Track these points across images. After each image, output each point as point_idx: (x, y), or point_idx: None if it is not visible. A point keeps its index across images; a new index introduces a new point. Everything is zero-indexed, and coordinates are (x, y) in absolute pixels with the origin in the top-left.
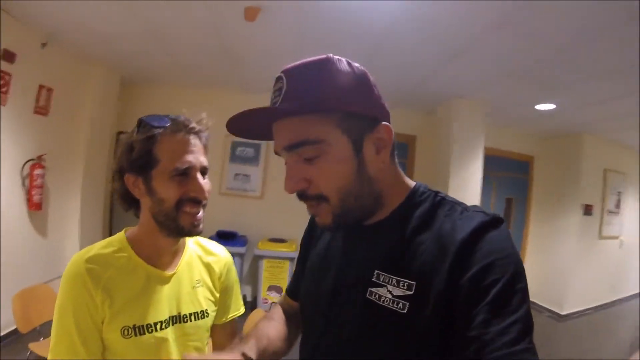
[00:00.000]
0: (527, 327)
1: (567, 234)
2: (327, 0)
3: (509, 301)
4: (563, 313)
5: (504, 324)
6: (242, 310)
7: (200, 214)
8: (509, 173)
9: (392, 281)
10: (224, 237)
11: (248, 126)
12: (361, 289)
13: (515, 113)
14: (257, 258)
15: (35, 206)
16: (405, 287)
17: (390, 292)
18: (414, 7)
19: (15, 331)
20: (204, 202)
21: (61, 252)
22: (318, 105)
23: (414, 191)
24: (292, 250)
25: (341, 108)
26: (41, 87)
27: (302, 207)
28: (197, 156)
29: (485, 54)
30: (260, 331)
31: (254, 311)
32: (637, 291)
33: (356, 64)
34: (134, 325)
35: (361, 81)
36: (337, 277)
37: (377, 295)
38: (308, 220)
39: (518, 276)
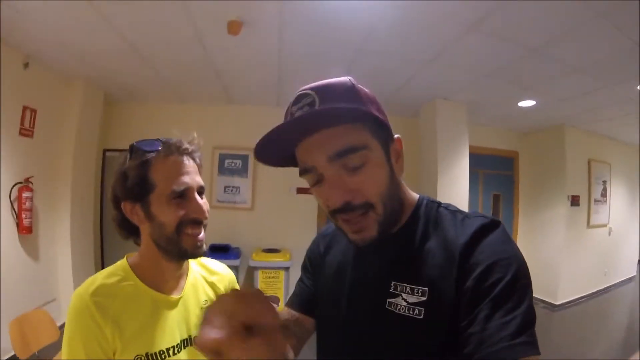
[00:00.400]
0: (527, 322)
1: (555, 226)
2: (308, 13)
3: (510, 298)
4: (557, 303)
5: (504, 319)
6: None
7: (202, 234)
8: (495, 170)
9: (405, 289)
10: (217, 251)
11: (277, 146)
12: (380, 301)
13: (497, 111)
14: (252, 269)
15: (26, 230)
16: (420, 294)
17: (405, 300)
18: (391, 13)
19: (14, 357)
20: (205, 222)
21: (54, 274)
22: (359, 112)
23: (420, 203)
24: (287, 259)
25: (376, 118)
26: (25, 108)
27: (293, 216)
28: (193, 176)
29: (464, 55)
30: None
31: None
32: (629, 276)
33: None
34: (146, 354)
35: (376, 99)
36: (353, 292)
37: (394, 305)
38: (313, 240)
39: (520, 274)
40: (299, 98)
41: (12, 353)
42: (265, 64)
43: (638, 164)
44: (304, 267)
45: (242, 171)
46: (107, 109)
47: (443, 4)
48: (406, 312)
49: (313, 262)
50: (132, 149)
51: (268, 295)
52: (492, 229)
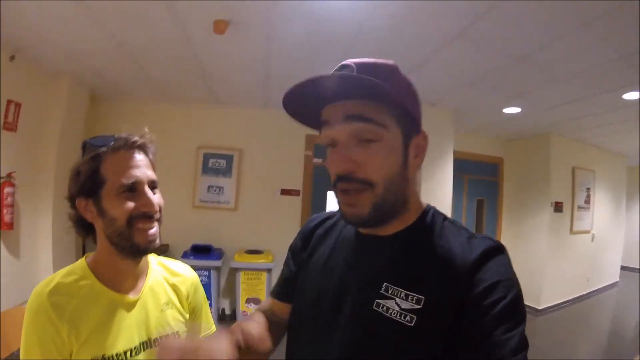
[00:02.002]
0: (524, 343)
1: (539, 231)
2: (296, 14)
3: (511, 318)
4: (540, 307)
5: (504, 337)
6: (214, 328)
7: (155, 229)
8: (480, 175)
9: (400, 294)
10: (199, 251)
11: (309, 98)
12: (368, 300)
13: (482, 117)
14: (234, 271)
15: (7, 226)
16: (414, 301)
17: (398, 305)
18: (378, 18)
19: None
20: (156, 216)
21: (35, 272)
22: (389, 94)
23: (426, 211)
24: (269, 261)
25: (404, 106)
26: (9, 102)
27: (277, 217)
28: (144, 170)
29: (450, 62)
30: (246, 324)
31: (234, 324)
32: (611, 281)
33: None
34: (103, 356)
35: (414, 91)
36: (342, 286)
37: (384, 307)
38: (301, 230)
39: (520, 298)
40: (340, 68)
41: None
42: (252, 64)
43: (622, 171)
44: (293, 250)
45: (227, 171)
46: (93, 106)
47: (429, 11)
48: (397, 317)
49: (297, 250)
50: (85, 146)
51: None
52: (498, 252)
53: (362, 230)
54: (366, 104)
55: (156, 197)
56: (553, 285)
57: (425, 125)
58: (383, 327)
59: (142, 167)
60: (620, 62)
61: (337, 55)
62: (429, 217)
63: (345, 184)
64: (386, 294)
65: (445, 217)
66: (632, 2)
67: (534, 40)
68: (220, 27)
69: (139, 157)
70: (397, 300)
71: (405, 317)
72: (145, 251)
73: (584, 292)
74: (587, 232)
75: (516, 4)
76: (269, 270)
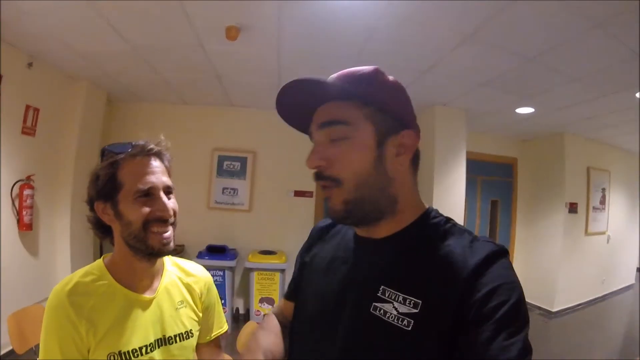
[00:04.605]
0: (527, 348)
1: (553, 233)
2: (306, 18)
3: (512, 323)
4: (554, 310)
5: (506, 343)
6: (225, 327)
7: (169, 233)
8: (493, 176)
9: (398, 298)
10: (214, 251)
11: (294, 109)
12: (365, 303)
13: (495, 118)
14: (248, 271)
15: (26, 227)
16: (412, 305)
17: (396, 309)
18: (390, 19)
19: (11, 352)
20: (171, 220)
21: (52, 271)
22: (355, 93)
23: (427, 213)
24: (283, 261)
25: (375, 103)
26: (28, 107)
27: (290, 218)
28: (159, 176)
29: (462, 63)
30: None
31: (247, 323)
32: (627, 284)
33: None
34: (119, 352)
35: (397, 90)
36: (340, 289)
37: (382, 311)
38: (309, 232)
39: (522, 302)
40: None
41: (10, 348)
42: (264, 67)
43: (638, 171)
44: (300, 252)
45: (241, 173)
46: (109, 109)
47: (441, 12)
48: (394, 321)
49: (302, 253)
50: (104, 152)
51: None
52: (501, 256)
53: (358, 232)
54: (334, 105)
55: (171, 202)
56: (567, 287)
57: (438, 126)
58: (380, 331)
59: (157, 173)
60: (634, 61)
61: (349, 57)
62: (429, 219)
63: (320, 181)
64: (383, 297)
65: (447, 220)
66: None
67: (547, 40)
68: (232, 33)
69: (155, 163)
70: (395, 304)
71: (402, 321)
72: (159, 253)
73: (599, 295)
74: (603, 233)
75: (529, 4)
76: (282, 271)
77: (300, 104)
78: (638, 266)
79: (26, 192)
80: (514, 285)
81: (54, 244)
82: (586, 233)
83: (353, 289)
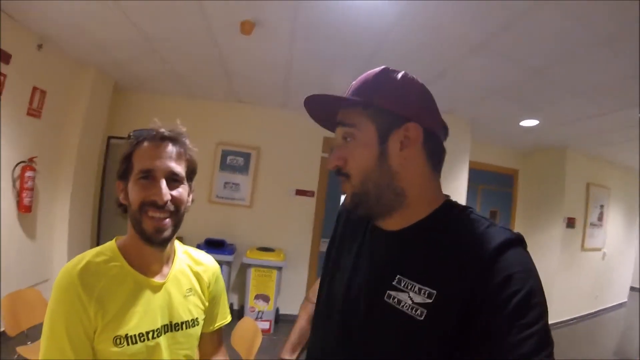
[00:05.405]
0: (544, 341)
1: (550, 246)
2: (321, 18)
3: (527, 314)
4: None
5: (521, 336)
6: (229, 318)
7: (165, 221)
8: (494, 186)
9: (414, 288)
10: (213, 245)
11: (323, 110)
12: (380, 292)
13: (499, 128)
14: (245, 266)
15: (25, 209)
16: (426, 295)
17: (411, 299)
18: (403, 26)
19: (3, 334)
20: (167, 207)
21: (49, 255)
22: (359, 102)
23: (445, 204)
24: (281, 259)
25: (372, 103)
26: (35, 89)
27: (290, 217)
28: (164, 161)
29: (469, 73)
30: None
31: (242, 319)
32: (620, 301)
33: (411, 76)
34: (126, 335)
35: (402, 86)
36: (356, 277)
37: (396, 300)
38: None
39: (537, 291)
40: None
41: (2, 329)
42: (275, 65)
43: (637, 190)
44: (332, 235)
45: (244, 169)
46: (116, 97)
47: (453, 21)
48: (408, 310)
49: (330, 244)
50: (129, 136)
51: (259, 293)
52: (516, 244)
53: (375, 223)
54: (345, 111)
55: (175, 191)
56: (561, 301)
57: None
58: (393, 319)
59: (165, 158)
60: (637, 79)
61: (361, 58)
62: (446, 211)
63: (339, 177)
64: (399, 286)
65: (466, 209)
66: None
67: (554, 54)
68: (246, 27)
69: (169, 148)
70: (411, 294)
71: (416, 310)
72: (151, 238)
73: (592, 310)
74: (599, 249)
75: (539, 17)
76: (279, 269)
77: (322, 114)
78: (632, 285)
79: (27, 174)
80: (528, 274)
81: (52, 227)
82: (582, 248)
83: (368, 278)
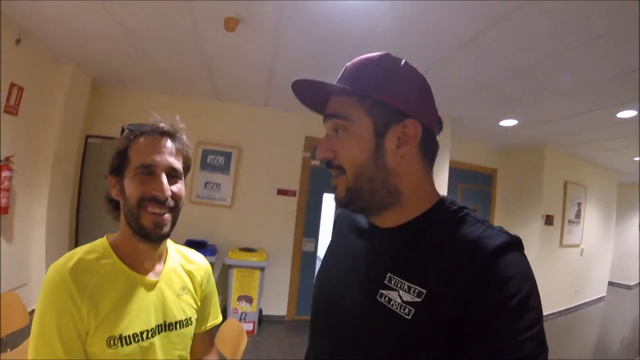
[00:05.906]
0: (541, 346)
1: (529, 243)
2: (306, 16)
3: (523, 317)
4: None
5: (518, 339)
6: (220, 318)
7: (165, 216)
8: (474, 185)
9: (403, 286)
10: (193, 246)
11: (313, 94)
12: (372, 290)
13: (479, 128)
14: (227, 267)
15: (3, 210)
16: (415, 294)
17: (400, 297)
18: (388, 25)
19: None
20: (167, 202)
21: (27, 258)
22: (352, 91)
23: (440, 202)
24: (263, 259)
25: (370, 95)
26: (12, 85)
27: (272, 217)
28: (164, 156)
29: (449, 73)
30: None
31: (226, 321)
32: (599, 296)
33: (412, 66)
34: (120, 335)
35: (405, 78)
36: (348, 276)
37: (387, 298)
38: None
39: (534, 295)
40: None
41: None
42: (258, 63)
43: (614, 188)
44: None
45: (224, 168)
46: (95, 94)
47: (437, 20)
48: (397, 308)
49: (334, 228)
50: (123, 129)
51: (241, 294)
52: (515, 247)
53: (370, 220)
54: (338, 100)
55: (175, 187)
56: (541, 296)
57: None
58: (382, 318)
59: (164, 153)
60: (618, 80)
61: (345, 57)
62: (441, 209)
63: (329, 170)
64: (389, 284)
65: (460, 209)
66: (634, 23)
67: (537, 54)
68: (230, 24)
69: (167, 144)
70: (400, 292)
71: (404, 309)
72: (150, 235)
73: (572, 305)
74: (577, 246)
75: (523, 17)
76: (262, 269)
77: (311, 98)
78: (610, 280)
79: (4, 173)
80: (525, 277)
81: (30, 228)
82: (561, 245)
83: (362, 276)
